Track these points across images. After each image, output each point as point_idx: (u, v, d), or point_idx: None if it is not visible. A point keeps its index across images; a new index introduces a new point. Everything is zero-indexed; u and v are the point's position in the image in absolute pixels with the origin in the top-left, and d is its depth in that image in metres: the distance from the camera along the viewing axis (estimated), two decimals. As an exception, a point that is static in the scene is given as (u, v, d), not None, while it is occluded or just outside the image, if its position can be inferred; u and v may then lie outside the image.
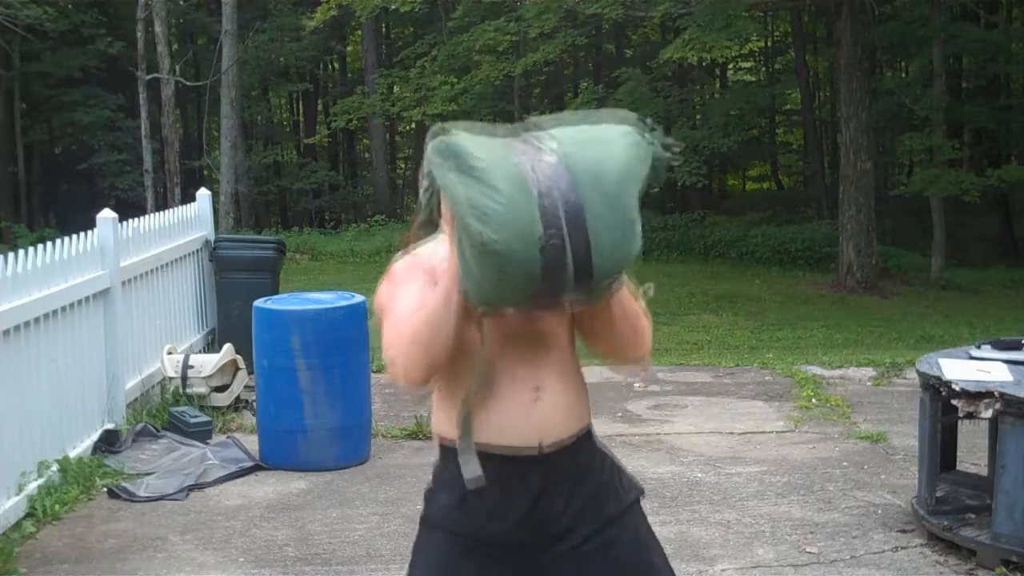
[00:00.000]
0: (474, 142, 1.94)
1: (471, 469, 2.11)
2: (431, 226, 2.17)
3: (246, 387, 6.35)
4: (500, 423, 2.15)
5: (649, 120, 2.05)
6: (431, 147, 1.97)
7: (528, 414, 2.15)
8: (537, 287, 1.92)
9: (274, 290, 7.19)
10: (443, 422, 2.22)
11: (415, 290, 2.13)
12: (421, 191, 2.10)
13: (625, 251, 1.96)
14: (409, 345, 2.05)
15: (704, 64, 22.25)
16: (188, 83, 22.61)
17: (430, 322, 2.04)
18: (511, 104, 22.22)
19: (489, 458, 2.14)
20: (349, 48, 28.82)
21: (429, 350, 2.04)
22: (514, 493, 2.17)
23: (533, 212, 1.88)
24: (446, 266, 2.04)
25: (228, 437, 5.80)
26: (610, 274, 1.97)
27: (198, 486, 5.11)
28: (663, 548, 2.33)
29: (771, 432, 5.96)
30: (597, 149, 1.96)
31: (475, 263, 1.92)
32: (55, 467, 5.00)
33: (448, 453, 2.21)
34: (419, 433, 5.83)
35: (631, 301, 2.15)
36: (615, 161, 1.96)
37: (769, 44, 27.84)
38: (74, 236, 5.58)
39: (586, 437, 2.26)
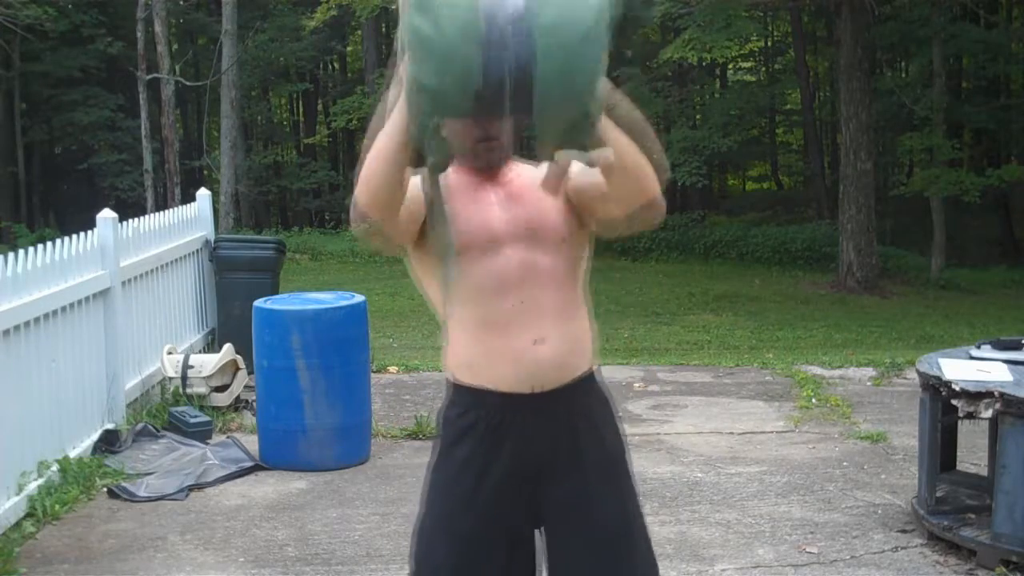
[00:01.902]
0: None
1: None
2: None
3: (246, 387, 6.35)
4: (495, 370, 2.23)
5: None
6: None
7: (524, 363, 2.21)
8: (476, 92, 1.79)
9: (274, 290, 7.18)
10: (455, 354, 2.29)
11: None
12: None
13: (577, 75, 1.79)
14: (362, 173, 2.06)
15: (704, 64, 22.27)
16: (188, 83, 22.61)
17: (375, 154, 2.02)
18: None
19: (479, 393, 2.24)
20: (349, 48, 28.83)
21: (371, 182, 2.03)
22: (505, 425, 2.24)
23: (475, 6, 1.77)
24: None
25: (228, 437, 5.80)
26: (557, 97, 1.81)
27: (198, 486, 5.11)
28: (643, 518, 2.37)
29: (771, 432, 5.96)
30: None
31: (413, 57, 1.80)
32: (55, 467, 5.00)
33: (458, 393, 2.29)
34: (419, 433, 5.84)
35: (627, 143, 2.03)
36: None
37: (769, 44, 27.83)
38: (74, 236, 5.57)
39: (582, 381, 2.29)
